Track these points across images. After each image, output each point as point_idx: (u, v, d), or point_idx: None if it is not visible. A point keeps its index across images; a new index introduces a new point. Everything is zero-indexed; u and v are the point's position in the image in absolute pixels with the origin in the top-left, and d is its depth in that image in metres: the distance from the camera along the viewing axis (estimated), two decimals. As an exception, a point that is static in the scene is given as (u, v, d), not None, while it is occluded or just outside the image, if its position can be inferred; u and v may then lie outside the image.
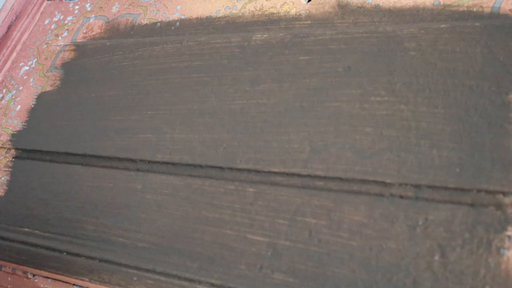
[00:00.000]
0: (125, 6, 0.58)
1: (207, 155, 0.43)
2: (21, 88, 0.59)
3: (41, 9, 0.66)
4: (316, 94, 0.41)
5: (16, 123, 0.56)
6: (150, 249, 0.42)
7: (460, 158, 0.34)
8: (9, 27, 0.64)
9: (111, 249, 0.43)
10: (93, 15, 0.60)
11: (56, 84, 0.56)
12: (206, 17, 0.52)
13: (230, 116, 0.44)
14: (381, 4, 0.43)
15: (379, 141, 0.37)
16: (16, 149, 0.55)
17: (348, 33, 0.42)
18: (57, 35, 0.61)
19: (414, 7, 0.42)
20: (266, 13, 0.48)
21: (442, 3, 0.41)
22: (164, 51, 0.51)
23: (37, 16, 0.65)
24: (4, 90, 0.61)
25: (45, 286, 0.46)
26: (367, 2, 0.44)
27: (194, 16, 0.53)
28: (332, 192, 0.37)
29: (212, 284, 0.38)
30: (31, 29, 0.65)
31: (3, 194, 0.53)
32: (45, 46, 0.61)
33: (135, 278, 0.41)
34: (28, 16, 0.65)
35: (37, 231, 0.48)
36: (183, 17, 0.53)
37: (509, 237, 0.31)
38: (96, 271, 0.43)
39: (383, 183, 0.36)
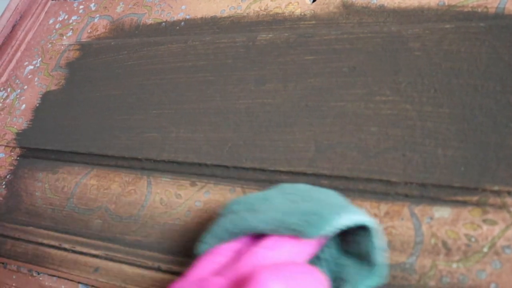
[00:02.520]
0: (129, 6, 0.59)
1: (213, 154, 0.43)
2: (25, 87, 0.59)
3: (46, 8, 0.66)
4: (321, 94, 0.41)
5: (20, 122, 0.57)
6: (155, 248, 0.42)
7: (465, 157, 0.34)
8: (13, 27, 0.64)
9: (117, 248, 0.43)
10: (97, 15, 0.60)
11: (61, 83, 0.57)
12: (211, 17, 0.52)
13: (235, 116, 0.44)
14: (386, 5, 0.43)
15: (384, 140, 0.37)
16: (21, 148, 0.55)
17: (353, 33, 0.43)
18: (61, 35, 0.62)
19: (419, 8, 0.42)
20: (271, 13, 0.49)
21: (446, 3, 0.41)
22: (169, 50, 0.51)
23: (42, 16, 0.65)
24: (8, 89, 0.61)
25: (50, 284, 0.46)
26: (372, 2, 0.44)
27: (199, 16, 0.53)
28: (337, 191, 0.37)
29: (217, 283, 0.38)
30: (35, 28, 0.65)
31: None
32: (50, 45, 0.61)
33: (141, 277, 0.41)
34: (32, 15, 0.65)
35: (42, 230, 0.48)
36: (188, 17, 0.53)
37: (514, 236, 0.31)
38: (102, 269, 0.43)
39: (389, 182, 0.36)
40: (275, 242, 0.29)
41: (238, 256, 0.30)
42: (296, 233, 0.29)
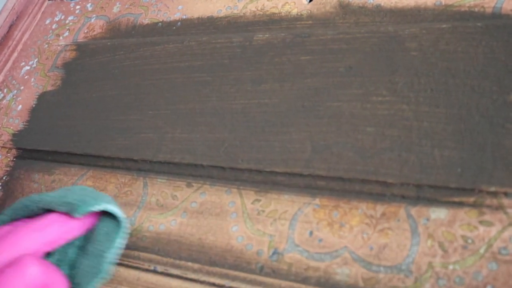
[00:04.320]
0: (126, 6, 0.58)
1: (209, 154, 0.43)
2: (22, 87, 0.59)
3: (42, 9, 0.66)
4: (318, 94, 0.41)
5: (17, 122, 0.56)
6: (151, 250, 0.42)
7: (461, 158, 0.34)
8: (10, 27, 0.64)
9: (113, 249, 0.43)
10: (94, 15, 0.60)
11: (57, 84, 0.56)
12: (208, 17, 0.52)
13: (232, 116, 0.44)
14: (382, 4, 0.43)
15: (381, 141, 0.37)
16: (17, 148, 0.55)
17: (349, 33, 0.42)
18: (58, 35, 0.61)
19: (416, 7, 0.42)
20: (267, 13, 0.48)
21: (443, 3, 0.41)
22: (166, 51, 0.51)
23: (38, 16, 0.65)
24: (5, 90, 0.61)
25: (46, 285, 0.46)
26: (369, 2, 0.44)
27: (196, 16, 0.53)
28: (334, 192, 0.37)
29: (213, 284, 0.38)
30: (32, 29, 0.65)
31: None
32: (46, 46, 0.61)
33: (136, 279, 0.41)
34: (29, 16, 0.65)
35: (38, 231, 0.48)
36: (184, 17, 0.53)
37: (510, 237, 0.31)
38: (98, 270, 0.43)
39: (385, 183, 0.36)
40: (45, 223, 0.39)
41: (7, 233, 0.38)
42: (68, 209, 0.39)
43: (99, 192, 0.44)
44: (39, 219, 0.39)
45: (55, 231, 0.39)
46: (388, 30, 0.41)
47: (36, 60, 0.61)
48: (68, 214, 0.40)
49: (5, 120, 0.58)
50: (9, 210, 0.42)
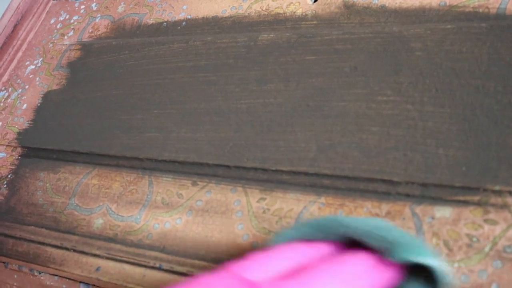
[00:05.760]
0: (131, 6, 0.59)
1: (214, 153, 0.43)
2: (27, 87, 0.60)
3: (47, 8, 0.66)
4: (323, 94, 0.41)
5: (22, 121, 0.57)
6: (156, 248, 0.42)
7: (466, 157, 0.34)
8: (15, 26, 0.64)
9: (119, 248, 0.43)
10: (99, 15, 0.61)
11: (62, 83, 0.57)
12: (212, 17, 0.52)
13: (237, 115, 0.44)
14: (387, 5, 0.43)
15: (386, 140, 0.37)
16: (22, 147, 0.55)
17: (354, 33, 0.43)
18: (63, 35, 0.62)
19: (420, 8, 0.42)
20: (272, 13, 0.49)
21: (448, 3, 0.41)
22: (170, 50, 0.51)
23: (43, 16, 0.66)
24: (10, 89, 0.61)
25: (52, 283, 0.46)
26: (373, 2, 0.44)
27: (200, 16, 0.53)
28: (339, 191, 0.38)
29: (218, 282, 0.38)
30: (36, 28, 0.65)
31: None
32: (51, 45, 0.61)
33: (143, 276, 0.41)
34: (33, 15, 0.65)
35: (44, 229, 0.48)
36: (189, 17, 0.53)
37: (515, 235, 0.32)
38: (103, 268, 0.43)
39: (390, 182, 0.36)
40: (355, 272, 0.28)
41: (304, 269, 0.28)
42: (384, 246, 0.28)
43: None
44: (346, 263, 0.28)
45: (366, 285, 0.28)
46: (393, 31, 0.41)
47: (41, 59, 0.61)
48: (379, 253, 0.29)
49: (10, 119, 0.58)
50: (303, 226, 0.32)
